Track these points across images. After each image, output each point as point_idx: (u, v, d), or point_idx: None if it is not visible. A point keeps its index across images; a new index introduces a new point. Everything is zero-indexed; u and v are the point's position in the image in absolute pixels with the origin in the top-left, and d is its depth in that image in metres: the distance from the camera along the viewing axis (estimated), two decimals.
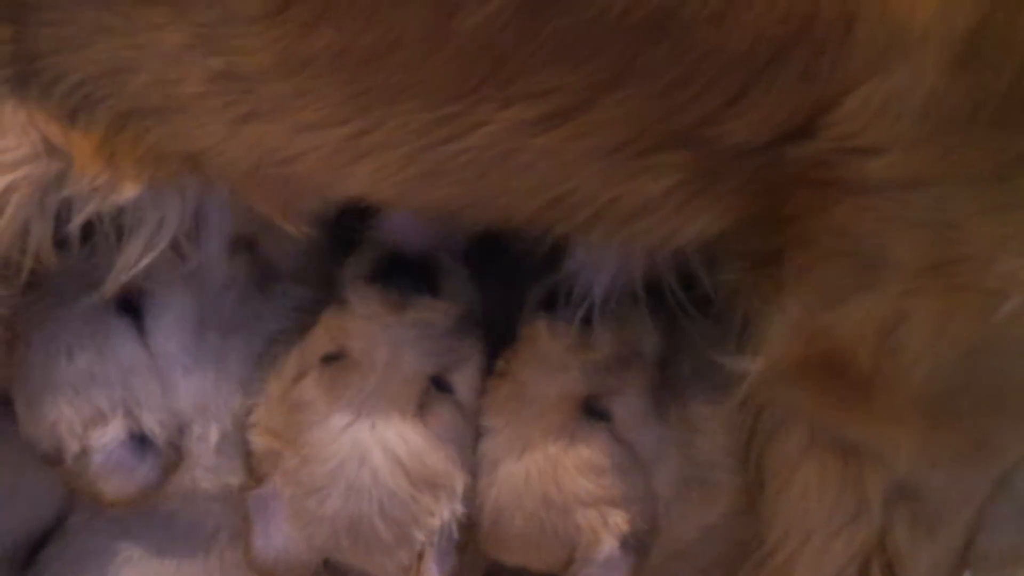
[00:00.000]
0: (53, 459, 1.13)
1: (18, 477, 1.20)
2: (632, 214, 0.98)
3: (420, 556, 1.13)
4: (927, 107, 0.88)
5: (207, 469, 1.16)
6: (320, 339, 1.15)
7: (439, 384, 1.13)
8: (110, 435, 1.12)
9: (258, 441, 1.16)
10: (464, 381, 1.15)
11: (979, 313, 0.93)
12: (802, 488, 1.06)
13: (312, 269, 1.18)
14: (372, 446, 1.10)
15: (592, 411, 1.13)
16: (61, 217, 1.04)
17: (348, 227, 1.13)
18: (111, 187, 1.00)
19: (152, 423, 1.13)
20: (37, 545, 1.24)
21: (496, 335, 1.16)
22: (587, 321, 1.13)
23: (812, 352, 0.98)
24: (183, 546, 1.19)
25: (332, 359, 1.13)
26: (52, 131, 0.98)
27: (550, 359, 1.13)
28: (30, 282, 1.09)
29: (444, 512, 1.13)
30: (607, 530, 1.12)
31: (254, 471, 1.16)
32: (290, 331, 1.17)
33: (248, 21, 0.94)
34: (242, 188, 1.03)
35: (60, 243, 1.07)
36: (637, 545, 1.12)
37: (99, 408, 1.11)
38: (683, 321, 1.14)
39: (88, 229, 1.06)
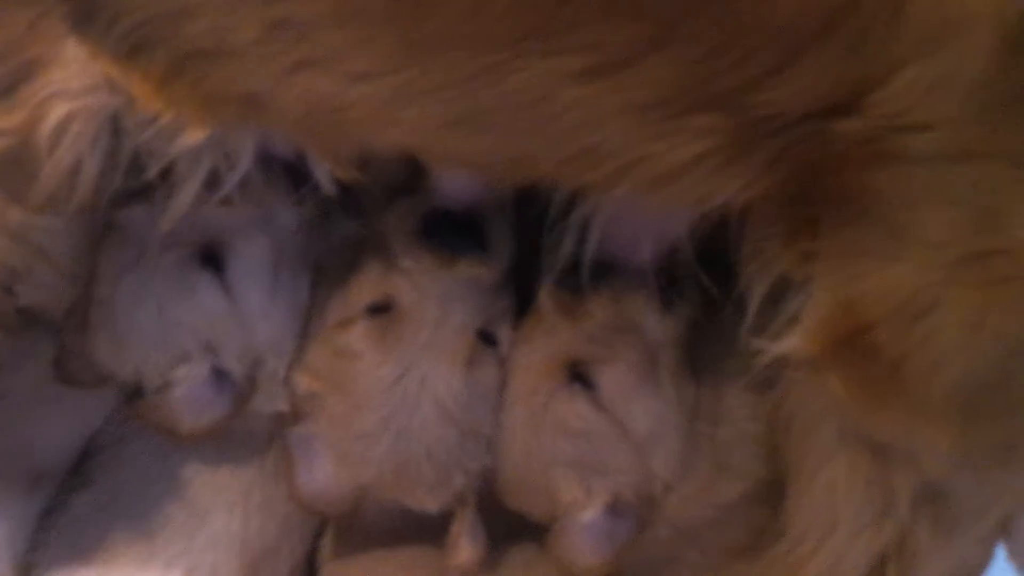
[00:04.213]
0: (132, 391, 1.19)
1: (64, 388, 1.23)
2: (661, 175, 0.98)
3: (461, 498, 1.17)
4: (976, 89, 0.88)
5: (268, 395, 1.20)
6: (365, 288, 1.18)
7: (485, 337, 1.16)
8: (193, 372, 1.17)
9: (301, 380, 1.19)
10: (505, 333, 1.18)
11: (1019, 307, 0.92)
12: (829, 484, 1.05)
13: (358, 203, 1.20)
14: (422, 397, 1.14)
15: (576, 375, 1.15)
16: (131, 167, 1.07)
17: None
18: (175, 129, 1.02)
19: (231, 360, 1.18)
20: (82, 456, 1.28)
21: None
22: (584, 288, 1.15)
23: (841, 329, 0.98)
24: (238, 453, 1.23)
25: (379, 309, 1.16)
26: (113, 68, 1.00)
27: (545, 320, 1.16)
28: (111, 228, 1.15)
29: (485, 458, 1.17)
30: (589, 494, 1.15)
31: (294, 408, 1.19)
32: (338, 265, 1.21)
33: None
34: (294, 133, 1.06)
35: (137, 194, 1.12)
36: (629, 515, 1.15)
37: (184, 349, 1.17)
38: (708, 302, 1.16)
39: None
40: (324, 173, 1.10)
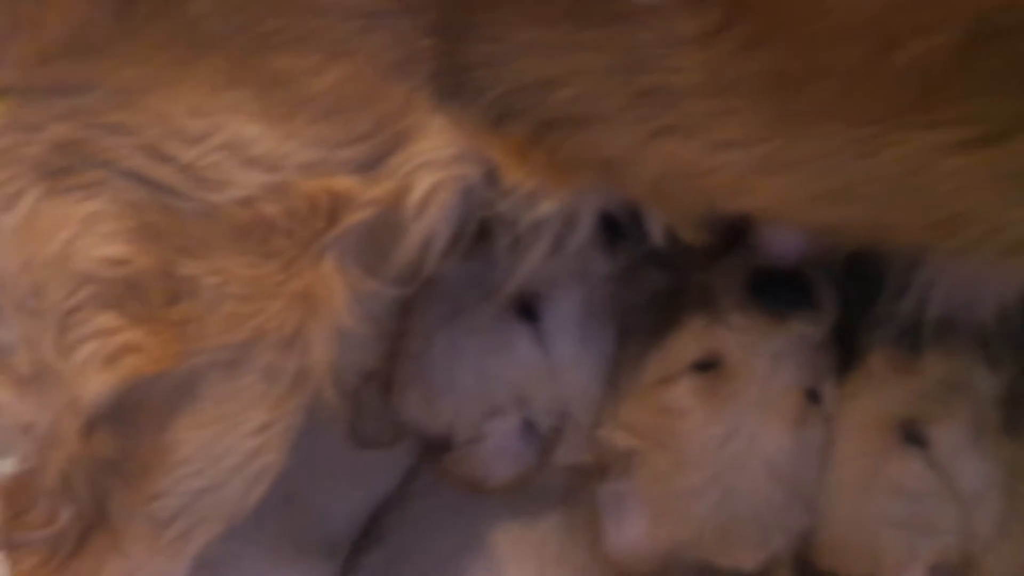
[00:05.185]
0: (440, 446, 1.18)
1: (359, 454, 1.23)
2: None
3: (777, 559, 1.16)
4: None
5: (570, 447, 1.19)
6: (688, 344, 1.17)
7: (812, 395, 1.15)
8: (504, 424, 1.17)
9: (618, 437, 1.18)
10: (829, 391, 1.16)
11: None
12: None
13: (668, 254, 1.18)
14: (751, 457, 1.13)
15: (910, 434, 1.14)
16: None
17: None
18: (531, 198, 1.02)
19: (541, 412, 1.18)
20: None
21: None
22: (919, 345, 1.14)
23: None
24: (532, 506, 1.23)
25: (704, 366, 1.15)
26: (477, 139, 1.01)
27: (875, 377, 1.15)
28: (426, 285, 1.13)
29: (807, 518, 1.15)
30: (913, 557, 1.13)
31: (602, 463, 1.18)
32: (645, 316, 1.20)
33: (682, 42, 0.96)
34: (644, 196, 1.05)
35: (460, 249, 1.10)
36: None
37: (497, 402, 1.17)
38: None
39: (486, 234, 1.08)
40: (657, 230, 1.08)
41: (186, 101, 0.97)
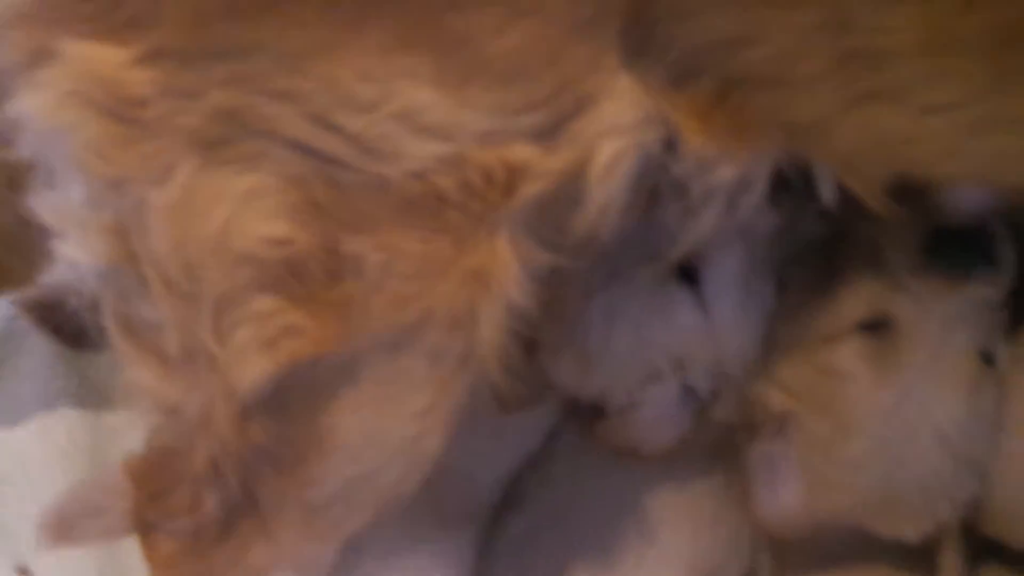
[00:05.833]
0: (591, 412, 1.13)
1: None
2: None
3: (944, 529, 1.11)
4: None
5: (726, 404, 1.14)
6: (855, 303, 1.10)
7: (986, 358, 1.09)
8: (662, 391, 1.11)
9: (771, 397, 1.12)
10: (1002, 352, 1.10)
11: None
12: None
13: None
14: (921, 425, 1.07)
15: None
16: None
17: None
18: (708, 162, 0.95)
19: (700, 376, 1.12)
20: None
21: None
22: None
23: None
24: (684, 466, 1.18)
25: (871, 327, 1.09)
26: (660, 100, 0.93)
27: None
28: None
29: (974, 487, 1.10)
30: None
31: (751, 422, 1.13)
32: (803, 271, 1.14)
33: (895, 0, 0.88)
34: (835, 162, 0.98)
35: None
36: None
37: (656, 368, 1.11)
38: None
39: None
40: (828, 189, 1.01)
41: (356, 66, 0.89)
